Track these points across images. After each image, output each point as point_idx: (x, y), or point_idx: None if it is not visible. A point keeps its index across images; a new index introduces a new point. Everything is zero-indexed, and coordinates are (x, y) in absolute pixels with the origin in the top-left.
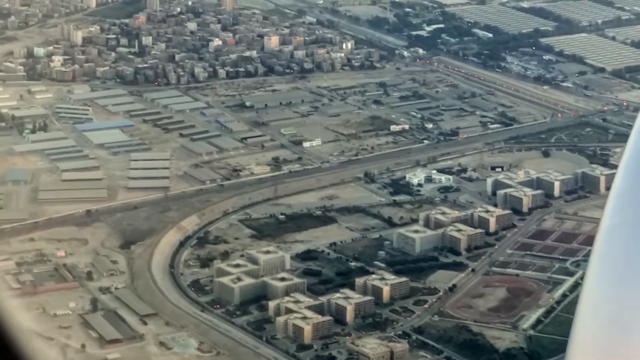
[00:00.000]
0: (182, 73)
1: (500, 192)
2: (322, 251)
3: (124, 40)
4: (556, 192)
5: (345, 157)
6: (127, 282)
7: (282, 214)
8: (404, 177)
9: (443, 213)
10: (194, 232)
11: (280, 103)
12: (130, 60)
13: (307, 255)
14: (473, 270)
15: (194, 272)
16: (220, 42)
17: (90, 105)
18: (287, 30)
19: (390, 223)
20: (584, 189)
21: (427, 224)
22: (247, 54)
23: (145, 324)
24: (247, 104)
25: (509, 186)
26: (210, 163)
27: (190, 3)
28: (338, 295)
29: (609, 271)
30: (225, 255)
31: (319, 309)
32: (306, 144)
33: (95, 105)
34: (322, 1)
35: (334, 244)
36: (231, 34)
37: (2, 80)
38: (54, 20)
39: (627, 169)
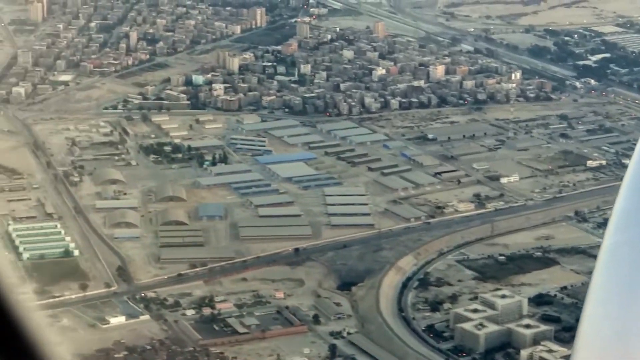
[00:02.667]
0: (353, 103)
1: None
2: (555, 295)
3: (280, 68)
4: None
5: (548, 194)
6: (358, 327)
7: (500, 254)
8: None
9: None
10: (413, 273)
11: (464, 136)
12: (294, 89)
13: (541, 300)
14: None
15: (426, 317)
16: (383, 71)
17: (264, 136)
18: (448, 59)
19: None
20: None
21: None
22: (415, 83)
23: None
24: (430, 136)
25: None
26: (408, 199)
27: (338, 29)
28: None
29: (612, 289)
30: (453, 299)
31: None
32: (503, 180)
33: (270, 136)
34: (473, 29)
35: (565, 287)
36: (392, 63)
37: (167, 109)
38: (202, 46)
39: (630, 185)
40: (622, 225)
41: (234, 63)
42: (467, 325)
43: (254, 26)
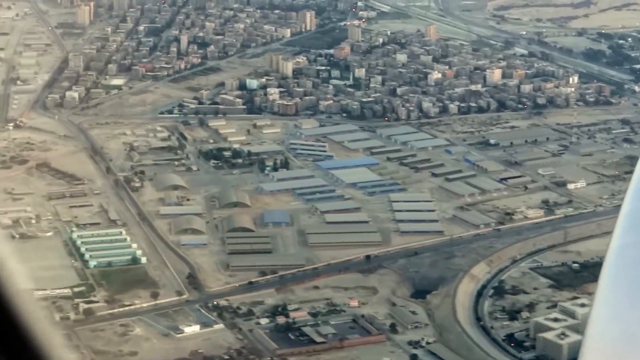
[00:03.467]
0: (411, 108)
1: None
2: None
3: (334, 72)
4: None
5: (617, 200)
6: (436, 336)
7: (574, 262)
8: None
9: None
10: (487, 281)
11: (526, 141)
12: (350, 94)
13: None
14: None
15: (505, 326)
16: (439, 75)
17: (324, 141)
18: (504, 63)
19: None
20: None
21: None
22: (473, 87)
23: None
24: (492, 141)
25: None
26: (475, 205)
27: (389, 33)
28: None
29: (619, 291)
30: (531, 307)
31: None
32: (570, 186)
33: (329, 141)
34: (524, 32)
35: None
36: (447, 66)
37: (223, 114)
38: (252, 50)
39: (638, 187)
40: (630, 226)
41: (288, 67)
42: (549, 335)
43: (303, 30)
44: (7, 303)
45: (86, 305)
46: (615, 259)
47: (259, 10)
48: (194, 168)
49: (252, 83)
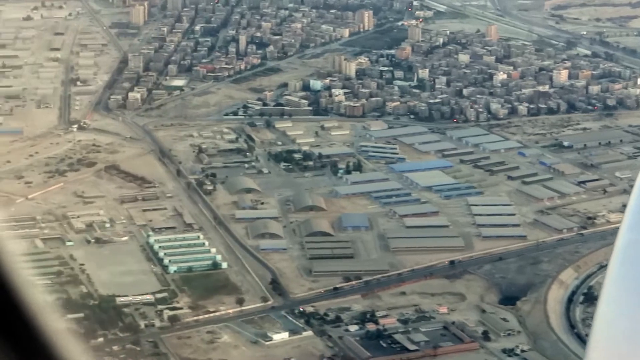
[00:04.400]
0: (480, 109)
1: None
2: None
3: (397, 73)
4: None
5: None
6: (530, 344)
7: None
8: None
9: None
10: (576, 287)
11: (599, 143)
12: (416, 95)
13: None
14: None
15: None
16: (504, 76)
17: (394, 143)
18: (568, 63)
19: None
20: None
21: None
22: (540, 88)
23: None
24: (565, 143)
25: None
26: (556, 209)
27: (449, 33)
28: None
29: (626, 287)
30: None
31: None
32: None
33: (400, 143)
34: (585, 32)
35: None
36: (511, 67)
37: (289, 115)
38: (311, 50)
39: None
40: (636, 223)
41: (351, 68)
42: None
43: (361, 29)
44: (16, 302)
45: (171, 312)
46: (621, 256)
47: (314, 10)
48: (265, 171)
49: (316, 84)
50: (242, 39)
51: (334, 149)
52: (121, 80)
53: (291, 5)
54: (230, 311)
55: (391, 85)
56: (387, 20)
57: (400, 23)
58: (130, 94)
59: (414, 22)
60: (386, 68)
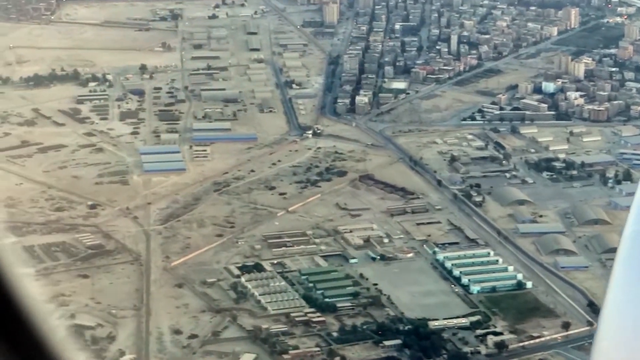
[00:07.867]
0: None
1: None
2: None
3: (628, 74)
4: None
5: None
6: None
7: None
8: None
9: None
10: None
11: None
12: None
13: None
14: None
15: None
16: None
17: None
18: None
19: None
20: None
21: None
22: None
23: None
24: None
25: None
26: None
27: None
28: None
29: (633, 277)
30: None
31: None
32: None
33: None
34: None
35: None
36: None
37: (530, 120)
38: (524, 50)
39: None
40: None
41: (580, 69)
42: None
43: (568, 27)
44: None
45: (496, 338)
46: (628, 244)
47: (511, 7)
48: (529, 180)
49: (549, 86)
50: (454, 39)
51: (593, 157)
52: (340, 83)
53: (486, 2)
54: (557, 336)
55: (625, 87)
56: (590, 17)
57: (605, 20)
58: (358, 98)
59: (618, 19)
60: (616, 69)
